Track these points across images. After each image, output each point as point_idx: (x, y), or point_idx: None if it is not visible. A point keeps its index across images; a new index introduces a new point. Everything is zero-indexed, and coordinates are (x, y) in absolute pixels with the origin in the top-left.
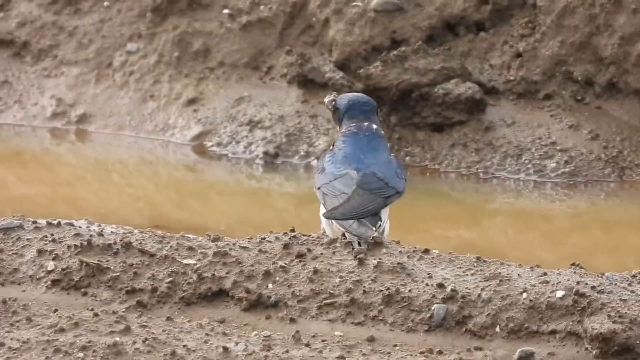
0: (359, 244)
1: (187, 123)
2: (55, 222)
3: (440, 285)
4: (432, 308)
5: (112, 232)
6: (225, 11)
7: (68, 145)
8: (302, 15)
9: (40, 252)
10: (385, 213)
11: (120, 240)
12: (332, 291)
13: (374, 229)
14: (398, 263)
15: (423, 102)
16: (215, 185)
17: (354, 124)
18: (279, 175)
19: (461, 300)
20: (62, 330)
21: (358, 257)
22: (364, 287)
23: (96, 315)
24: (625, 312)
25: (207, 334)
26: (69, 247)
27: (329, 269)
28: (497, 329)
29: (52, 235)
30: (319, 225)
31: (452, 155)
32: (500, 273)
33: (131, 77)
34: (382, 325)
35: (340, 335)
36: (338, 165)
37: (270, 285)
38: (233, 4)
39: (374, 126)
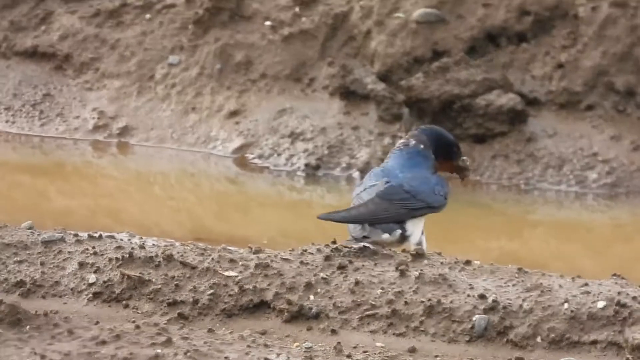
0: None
1: (229, 135)
2: (96, 234)
3: (482, 296)
4: (474, 319)
5: (153, 244)
6: (267, 23)
7: (110, 157)
8: (344, 26)
9: (81, 265)
10: (415, 225)
11: (162, 253)
12: (373, 302)
13: (387, 235)
14: (440, 274)
15: (465, 113)
16: (257, 197)
17: (402, 141)
18: (320, 187)
19: (502, 310)
20: (103, 342)
21: (400, 268)
22: (406, 298)
23: (137, 327)
24: None
25: (248, 346)
26: (110, 259)
27: (370, 280)
28: (539, 340)
29: (93, 247)
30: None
31: (494, 167)
32: (541, 284)
33: (173, 90)
34: (424, 336)
35: (382, 347)
36: (373, 178)
37: (311, 297)
38: (275, 15)
39: (421, 145)
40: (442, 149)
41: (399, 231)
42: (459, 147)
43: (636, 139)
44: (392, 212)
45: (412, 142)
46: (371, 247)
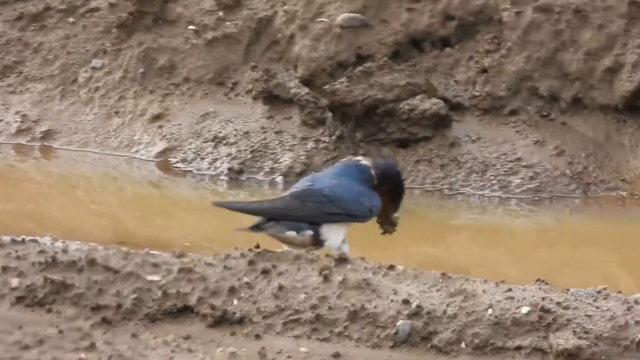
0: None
1: (152, 139)
2: (19, 239)
3: (406, 302)
4: (398, 324)
5: (76, 248)
6: (191, 27)
7: (33, 161)
8: (268, 31)
9: (4, 269)
10: (332, 230)
11: (85, 257)
12: (297, 307)
13: (293, 232)
14: (363, 279)
15: (388, 118)
16: (180, 201)
17: (346, 159)
18: (243, 192)
19: (426, 316)
20: (26, 347)
21: (323, 273)
22: (329, 303)
23: (61, 332)
24: (591, 328)
25: (172, 351)
26: (33, 263)
27: (294, 285)
28: (463, 345)
29: (16, 251)
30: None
31: (417, 171)
32: (465, 289)
33: (96, 94)
34: (348, 341)
35: (306, 352)
36: (299, 183)
37: (235, 302)
38: (198, 19)
39: (367, 164)
40: (388, 185)
41: (310, 232)
42: (402, 199)
43: (560, 144)
44: (300, 212)
45: (362, 159)
46: (287, 248)
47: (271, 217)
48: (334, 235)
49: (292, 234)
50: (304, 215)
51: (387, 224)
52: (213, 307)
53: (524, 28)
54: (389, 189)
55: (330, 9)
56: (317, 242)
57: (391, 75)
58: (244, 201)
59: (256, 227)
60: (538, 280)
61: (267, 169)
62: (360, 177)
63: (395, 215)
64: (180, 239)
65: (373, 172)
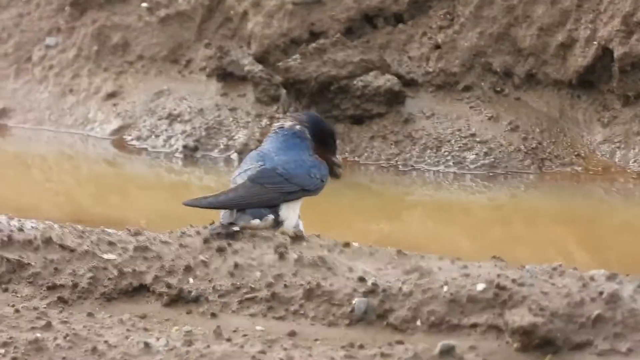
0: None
1: (107, 117)
2: None
3: (361, 279)
4: (353, 302)
5: (32, 227)
6: (144, 4)
7: None
8: (221, 8)
9: None
10: (289, 209)
11: (41, 236)
12: (253, 285)
13: (257, 220)
14: (319, 257)
15: (342, 94)
16: (135, 179)
17: (279, 124)
18: (198, 169)
19: (382, 294)
20: None
21: (279, 251)
22: (285, 281)
23: (17, 311)
24: (546, 305)
25: (128, 330)
26: None
27: (249, 263)
28: (418, 323)
29: None
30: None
31: (372, 148)
32: (420, 266)
33: (50, 72)
34: (304, 319)
35: (262, 330)
36: (248, 161)
37: (191, 280)
38: None
39: (298, 126)
40: (320, 135)
41: (271, 216)
42: (336, 142)
43: (514, 119)
44: (263, 197)
45: (288, 123)
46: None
47: (237, 207)
48: (292, 214)
49: (256, 221)
50: (266, 199)
51: (333, 167)
52: (169, 286)
53: (476, 3)
54: (322, 138)
55: None
56: (278, 224)
57: (345, 52)
58: (209, 195)
59: (230, 224)
60: (493, 257)
61: (222, 146)
62: (302, 145)
63: (337, 157)
64: (135, 217)
65: (307, 133)
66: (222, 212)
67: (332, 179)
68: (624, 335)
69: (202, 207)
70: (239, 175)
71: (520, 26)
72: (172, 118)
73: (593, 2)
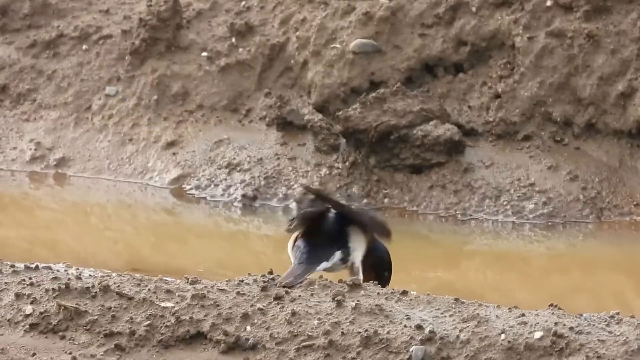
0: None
1: (166, 166)
2: (33, 265)
3: (419, 327)
4: (411, 350)
5: (90, 275)
6: (204, 54)
7: (47, 189)
8: (281, 57)
9: (18, 296)
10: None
11: (99, 284)
12: (310, 333)
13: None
14: (376, 305)
15: (402, 144)
16: (194, 228)
17: None
18: (257, 218)
19: (439, 341)
20: None
21: (336, 299)
22: (342, 329)
23: (74, 358)
24: (604, 353)
25: None
26: (47, 290)
27: (307, 311)
28: None
29: (30, 278)
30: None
31: (431, 197)
32: (478, 314)
33: (110, 121)
34: None
35: None
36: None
37: (248, 328)
38: (211, 46)
39: None
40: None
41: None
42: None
43: (573, 169)
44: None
45: None
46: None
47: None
48: (359, 248)
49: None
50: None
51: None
52: (226, 334)
53: (536, 53)
54: (374, 265)
55: (342, 35)
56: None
57: (404, 101)
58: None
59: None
60: (551, 305)
61: (281, 195)
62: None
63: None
64: (193, 265)
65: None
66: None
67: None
68: None
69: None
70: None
71: (580, 75)
72: (231, 167)
73: None
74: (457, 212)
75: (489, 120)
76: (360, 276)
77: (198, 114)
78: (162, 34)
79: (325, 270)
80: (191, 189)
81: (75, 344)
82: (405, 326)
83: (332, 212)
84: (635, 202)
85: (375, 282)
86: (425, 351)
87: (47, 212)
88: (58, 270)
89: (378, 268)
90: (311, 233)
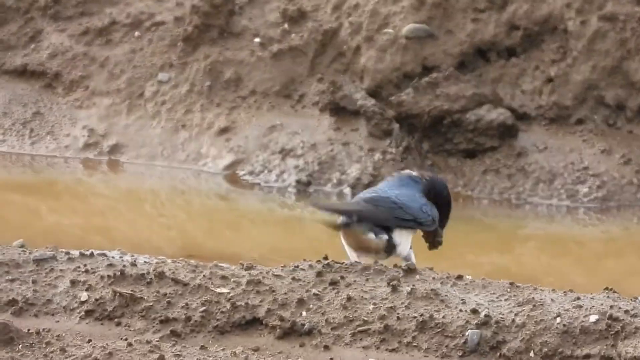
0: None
1: (219, 152)
2: (88, 252)
3: (474, 311)
4: (466, 334)
5: (145, 262)
6: (257, 40)
7: (100, 175)
8: (334, 43)
9: (73, 283)
10: (402, 236)
11: (154, 270)
12: (365, 318)
13: (372, 235)
14: (432, 289)
15: (455, 128)
16: (248, 214)
17: (396, 172)
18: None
19: (495, 325)
20: None
21: (392, 283)
22: (398, 313)
23: (130, 345)
24: None
25: None
26: (102, 277)
27: (362, 296)
28: (531, 354)
29: (85, 265)
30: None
31: (485, 182)
32: (533, 298)
33: (163, 107)
34: (416, 351)
35: None
36: (364, 193)
37: (303, 313)
38: (264, 32)
39: (414, 173)
40: (435, 199)
41: (386, 237)
42: (448, 215)
43: (626, 152)
44: (379, 215)
45: (407, 171)
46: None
47: (357, 215)
48: (405, 242)
49: (371, 236)
50: (380, 217)
51: (434, 238)
52: (282, 319)
53: (589, 37)
54: (435, 203)
55: (395, 20)
56: (390, 246)
57: (457, 86)
58: (335, 202)
59: (345, 225)
60: (606, 288)
61: (335, 181)
62: (415, 186)
63: (441, 233)
64: (248, 251)
65: (424, 184)
66: (341, 218)
67: (429, 249)
68: None
69: (325, 209)
70: (354, 199)
71: (632, 59)
72: (284, 153)
73: None
74: (511, 196)
75: (541, 105)
76: (414, 260)
77: (251, 100)
78: (214, 20)
79: (369, 248)
80: (245, 174)
81: (130, 330)
82: (460, 310)
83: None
84: None
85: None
86: (481, 335)
87: (101, 199)
88: (113, 257)
89: (437, 203)
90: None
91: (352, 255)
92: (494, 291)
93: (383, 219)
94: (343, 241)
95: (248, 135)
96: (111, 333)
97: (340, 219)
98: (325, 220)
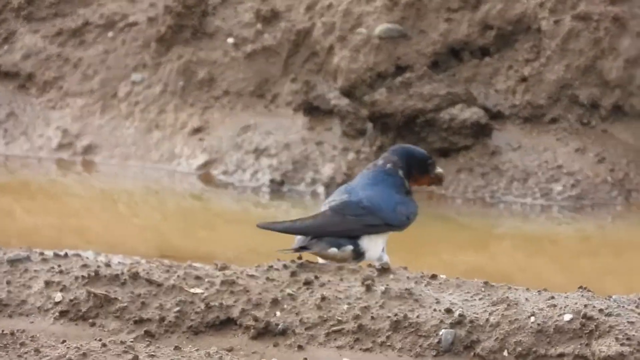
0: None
1: (193, 152)
2: (62, 253)
3: (448, 310)
4: (440, 333)
5: (119, 262)
6: (230, 40)
7: (74, 176)
8: (307, 43)
9: (47, 284)
10: (372, 241)
11: (128, 271)
12: (339, 318)
13: (334, 249)
14: (406, 289)
15: (429, 127)
16: (222, 213)
17: (372, 163)
18: (285, 203)
19: (469, 325)
20: None
21: (366, 283)
22: (372, 313)
23: (104, 345)
24: (633, 335)
25: None
26: (76, 278)
27: (336, 296)
28: (505, 353)
29: (59, 266)
30: None
31: (459, 180)
32: (507, 297)
33: (136, 107)
34: (390, 351)
35: None
36: (334, 195)
37: (278, 313)
38: (237, 32)
39: (388, 165)
40: (415, 165)
41: (350, 247)
42: (432, 159)
43: (600, 151)
44: (342, 227)
45: (380, 162)
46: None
47: (314, 234)
48: (374, 247)
49: (333, 250)
50: (345, 229)
51: (438, 182)
52: (256, 319)
53: (563, 36)
54: (420, 169)
55: (368, 20)
56: (358, 255)
57: (431, 85)
58: (286, 221)
59: (301, 248)
60: (580, 287)
61: (309, 180)
62: (391, 182)
63: (437, 171)
64: (222, 251)
65: (400, 172)
66: (297, 237)
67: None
68: None
69: (276, 231)
70: (323, 207)
71: (606, 58)
72: (258, 152)
73: None
74: (485, 195)
75: (515, 104)
76: (386, 258)
77: (224, 100)
78: (187, 20)
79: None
80: (219, 174)
81: (105, 330)
82: (434, 310)
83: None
84: None
85: (426, 175)
86: (455, 334)
87: (75, 199)
88: (87, 258)
89: (423, 168)
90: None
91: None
92: (468, 290)
93: (349, 230)
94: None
95: (222, 135)
96: (85, 334)
97: (295, 241)
98: (281, 250)
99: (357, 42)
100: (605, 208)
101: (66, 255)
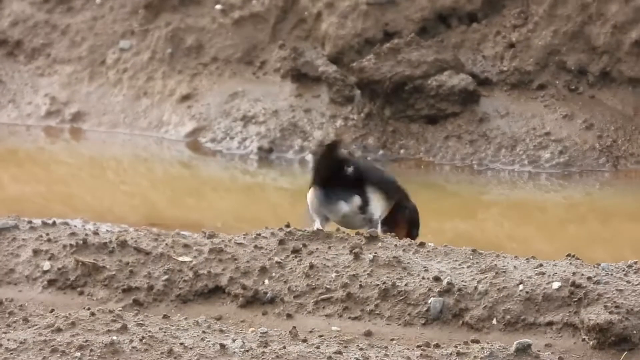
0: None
1: (181, 119)
2: (50, 221)
3: (437, 279)
4: (429, 301)
5: (107, 230)
6: (218, 7)
7: (62, 143)
8: (295, 9)
9: (35, 252)
10: (375, 197)
11: (116, 239)
12: (328, 286)
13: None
14: (394, 257)
15: (416, 94)
16: (210, 181)
17: None
18: (273, 170)
19: (457, 293)
20: (58, 330)
21: (354, 251)
22: (360, 281)
23: (93, 314)
24: (622, 303)
25: (203, 332)
26: (64, 246)
27: (324, 264)
28: (494, 322)
29: (47, 234)
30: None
31: (447, 147)
32: (496, 265)
33: (124, 75)
34: (379, 319)
35: (337, 330)
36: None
37: (266, 282)
38: None
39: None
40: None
41: (358, 197)
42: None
43: (588, 117)
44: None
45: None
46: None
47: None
48: (378, 205)
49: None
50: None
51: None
52: (244, 287)
53: (550, 2)
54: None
55: None
56: (364, 205)
57: (419, 52)
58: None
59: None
60: (569, 255)
61: (297, 147)
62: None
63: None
64: (211, 219)
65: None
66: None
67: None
68: None
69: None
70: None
71: (594, 24)
72: (246, 120)
73: None
74: (473, 162)
75: (503, 70)
76: (379, 228)
77: (212, 66)
78: None
79: (344, 219)
80: (207, 142)
81: (93, 299)
82: (423, 278)
83: (350, 168)
84: None
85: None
86: (443, 303)
87: (64, 167)
88: (75, 226)
89: (410, 225)
90: (328, 183)
91: (317, 223)
92: (456, 258)
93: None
94: (310, 207)
95: (210, 102)
96: (74, 302)
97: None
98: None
99: (345, 8)
100: (593, 175)
101: (54, 223)
